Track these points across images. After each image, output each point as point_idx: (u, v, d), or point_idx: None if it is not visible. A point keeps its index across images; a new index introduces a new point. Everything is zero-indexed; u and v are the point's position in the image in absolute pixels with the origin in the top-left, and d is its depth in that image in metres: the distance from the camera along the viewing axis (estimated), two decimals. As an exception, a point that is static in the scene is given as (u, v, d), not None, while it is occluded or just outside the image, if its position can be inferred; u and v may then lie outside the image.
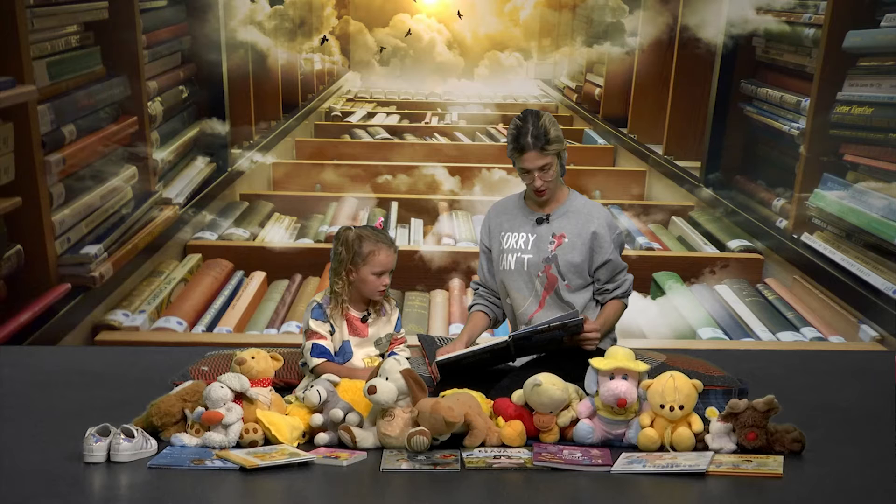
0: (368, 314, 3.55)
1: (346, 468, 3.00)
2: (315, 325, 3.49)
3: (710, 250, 7.64)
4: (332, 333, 3.50)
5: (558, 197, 3.66)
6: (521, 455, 3.10)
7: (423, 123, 10.09)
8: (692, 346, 5.89)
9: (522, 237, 3.63)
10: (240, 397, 3.19)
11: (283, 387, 3.55)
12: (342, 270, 3.49)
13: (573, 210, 3.63)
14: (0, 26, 5.44)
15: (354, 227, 3.53)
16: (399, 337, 3.61)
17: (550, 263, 3.59)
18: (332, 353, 3.49)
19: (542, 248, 3.60)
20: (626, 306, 3.69)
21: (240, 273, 7.29)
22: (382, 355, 3.56)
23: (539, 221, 3.62)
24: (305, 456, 3.03)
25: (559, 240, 3.59)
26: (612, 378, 3.19)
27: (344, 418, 3.18)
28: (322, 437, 3.20)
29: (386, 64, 10.54)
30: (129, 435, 3.01)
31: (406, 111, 10.41)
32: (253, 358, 3.28)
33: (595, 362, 3.21)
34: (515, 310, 3.67)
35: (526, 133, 3.53)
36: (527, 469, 3.00)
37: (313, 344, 3.48)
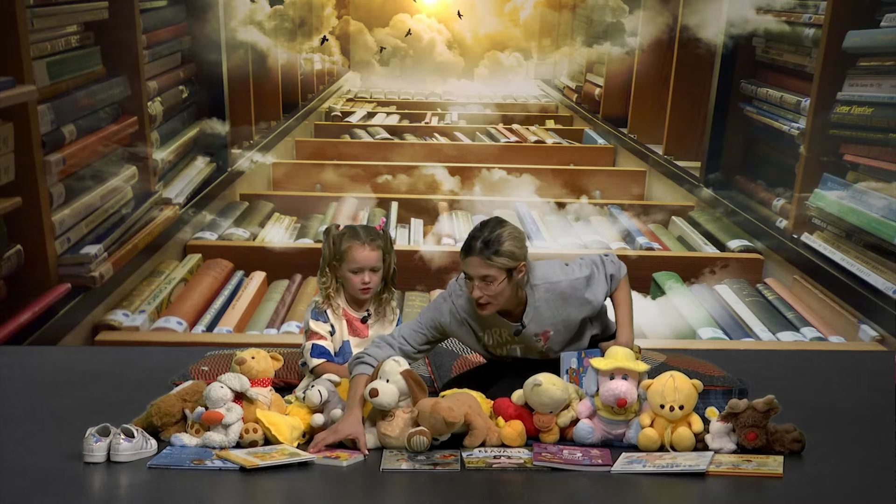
0: (369, 315, 3.55)
1: (345, 468, 3.00)
2: (315, 325, 3.50)
3: (710, 250, 7.64)
4: (332, 334, 3.50)
5: (521, 301, 3.37)
6: (521, 455, 3.10)
7: (423, 123, 10.10)
8: (692, 346, 5.88)
9: (505, 333, 3.42)
10: (240, 397, 3.19)
11: (283, 387, 3.56)
12: (325, 267, 3.51)
13: (542, 304, 3.38)
14: (0, 26, 5.43)
15: (346, 225, 3.55)
16: (399, 337, 3.61)
17: (547, 353, 3.45)
18: (332, 353, 3.50)
19: (532, 346, 3.44)
20: (626, 283, 3.48)
21: (240, 273, 7.28)
22: (382, 355, 3.56)
23: (517, 333, 3.40)
24: (305, 456, 3.03)
25: (545, 336, 3.42)
26: (612, 378, 3.19)
27: (344, 418, 3.18)
28: (322, 437, 3.20)
29: (386, 64, 10.54)
30: (129, 435, 3.01)
31: (406, 111, 10.41)
32: (253, 358, 3.28)
33: (595, 362, 3.22)
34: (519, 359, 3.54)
35: (477, 237, 3.26)
36: (527, 469, 3.00)
37: (313, 344, 3.48)
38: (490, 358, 3.55)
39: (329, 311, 3.51)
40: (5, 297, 5.60)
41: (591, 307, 3.42)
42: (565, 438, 3.24)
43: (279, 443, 3.13)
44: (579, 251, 7.23)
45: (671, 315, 6.71)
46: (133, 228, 6.91)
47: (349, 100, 10.68)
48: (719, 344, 6.22)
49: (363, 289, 3.49)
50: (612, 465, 3.00)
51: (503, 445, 3.19)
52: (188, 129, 8.26)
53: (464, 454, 3.09)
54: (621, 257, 3.57)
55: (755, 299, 6.88)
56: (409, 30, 10.36)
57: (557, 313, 3.39)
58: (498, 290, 3.27)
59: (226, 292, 6.94)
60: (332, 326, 3.51)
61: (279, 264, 7.35)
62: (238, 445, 3.14)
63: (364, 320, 3.55)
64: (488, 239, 3.25)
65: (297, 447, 3.14)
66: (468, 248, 3.28)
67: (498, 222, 3.31)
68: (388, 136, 9.69)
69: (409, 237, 7.95)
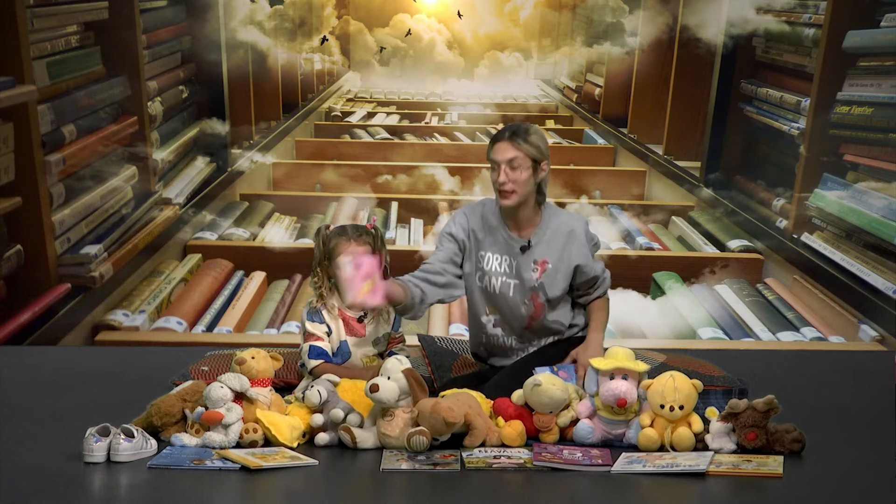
0: (365, 314, 3.56)
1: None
2: (311, 326, 3.50)
3: (710, 250, 7.64)
4: (328, 334, 3.51)
5: (534, 220, 3.54)
6: (521, 455, 3.10)
7: (423, 123, 10.10)
8: (692, 346, 5.88)
9: (506, 260, 3.53)
10: (240, 397, 3.19)
11: (283, 387, 3.56)
12: (317, 266, 3.53)
13: (552, 231, 3.53)
14: (0, 26, 5.43)
15: (336, 225, 3.56)
16: (397, 336, 3.62)
17: (537, 292, 3.52)
18: (330, 353, 3.50)
19: (527, 276, 3.51)
20: (608, 299, 3.64)
21: (240, 273, 7.29)
22: (381, 354, 3.57)
23: (522, 250, 3.51)
24: (307, 461, 3.03)
25: (542, 266, 3.51)
26: (612, 378, 3.19)
27: (345, 418, 3.18)
28: (322, 437, 3.20)
29: (386, 64, 10.55)
30: (129, 435, 3.01)
31: (406, 111, 10.42)
32: (253, 358, 3.28)
33: (595, 362, 3.22)
34: (497, 331, 3.60)
35: (506, 129, 3.50)
36: (527, 469, 3.00)
37: (310, 346, 3.48)
38: (477, 297, 3.59)
39: (325, 312, 3.52)
40: (5, 297, 5.61)
41: (590, 266, 3.54)
42: (565, 438, 3.24)
43: (279, 443, 3.14)
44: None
45: (671, 315, 6.71)
46: (133, 228, 6.91)
47: (349, 100, 10.69)
48: (719, 344, 6.23)
49: None
50: (612, 465, 3.00)
51: (503, 445, 3.19)
52: (188, 129, 8.27)
53: (464, 454, 3.08)
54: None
55: (755, 299, 6.88)
56: (409, 30, 10.37)
57: (562, 247, 3.51)
58: (523, 179, 3.43)
59: (226, 292, 6.94)
60: (328, 327, 3.51)
61: (279, 264, 7.35)
62: (238, 445, 3.14)
63: (360, 319, 3.55)
64: (516, 129, 3.46)
65: (297, 447, 3.15)
66: (497, 137, 3.48)
67: (524, 123, 3.52)
68: (388, 136, 9.70)
69: (409, 237, 7.96)
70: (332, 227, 3.56)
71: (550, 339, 3.60)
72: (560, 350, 3.56)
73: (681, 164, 8.86)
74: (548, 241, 3.52)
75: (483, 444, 3.17)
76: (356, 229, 3.55)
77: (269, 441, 3.16)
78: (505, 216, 3.55)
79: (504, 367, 3.59)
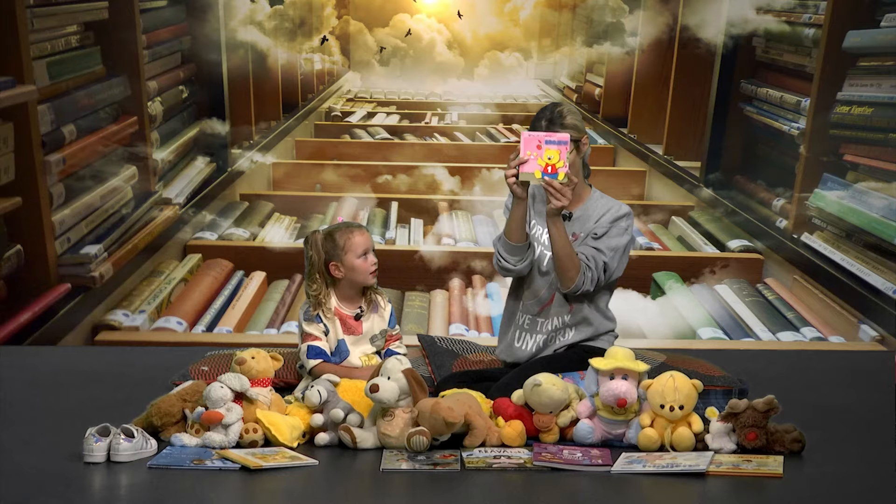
0: (362, 311, 3.56)
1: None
2: (308, 327, 3.50)
3: (710, 250, 7.64)
4: (326, 334, 3.51)
5: (581, 196, 3.65)
6: (521, 455, 3.10)
7: (423, 123, 10.09)
8: (692, 346, 5.88)
9: (546, 232, 3.58)
10: (240, 397, 3.19)
11: (283, 387, 3.56)
12: (315, 273, 3.51)
13: (593, 209, 3.63)
14: (0, 26, 5.43)
15: (322, 229, 3.56)
16: (394, 333, 3.62)
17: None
18: (329, 353, 3.50)
19: None
20: (584, 269, 3.49)
21: (240, 273, 7.28)
22: (379, 352, 3.57)
23: (563, 219, 3.57)
24: (307, 460, 3.03)
25: (575, 237, 3.56)
26: (612, 378, 3.19)
27: (345, 418, 3.18)
28: (322, 437, 3.20)
29: (386, 64, 10.53)
30: (129, 435, 3.01)
31: (406, 111, 10.41)
32: (253, 358, 3.29)
33: (595, 362, 3.22)
34: (523, 297, 3.64)
35: (542, 118, 3.56)
36: (527, 469, 3.00)
37: (308, 346, 3.49)
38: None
39: (322, 312, 3.52)
40: (5, 297, 5.61)
41: (601, 235, 3.57)
42: (565, 438, 3.25)
43: (279, 443, 3.14)
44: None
45: (671, 315, 6.71)
46: (133, 228, 6.91)
47: (349, 100, 10.68)
48: (719, 344, 6.23)
49: (374, 271, 3.52)
50: (612, 465, 3.00)
51: (503, 445, 3.19)
52: (188, 129, 8.26)
53: (464, 454, 3.09)
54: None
55: (755, 299, 6.88)
56: (409, 30, 10.35)
57: (594, 223, 3.58)
58: (570, 161, 3.50)
59: (226, 292, 6.94)
60: (325, 327, 3.51)
61: (279, 264, 7.35)
62: (238, 445, 3.14)
63: (357, 317, 3.55)
64: (551, 116, 3.56)
65: (297, 447, 3.15)
66: (535, 127, 3.57)
67: (554, 104, 3.61)
68: (388, 136, 9.69)
69: (409, 237, 7.95)
70: (319, 231, 3.55)
71: (558, 322, 3.58)
72: (569, 358, 3.55)
73: (681, 164, 8.85)
74: (587, 218, 3.59)
75: (483, 444, 3.17)
76: (349, 224, 3.57)
77: (269, 441, 3.16)
78: None
79: (513, 368, 3.57)
